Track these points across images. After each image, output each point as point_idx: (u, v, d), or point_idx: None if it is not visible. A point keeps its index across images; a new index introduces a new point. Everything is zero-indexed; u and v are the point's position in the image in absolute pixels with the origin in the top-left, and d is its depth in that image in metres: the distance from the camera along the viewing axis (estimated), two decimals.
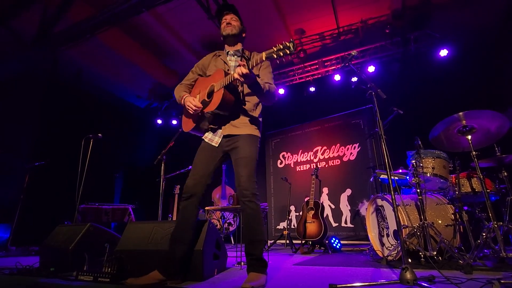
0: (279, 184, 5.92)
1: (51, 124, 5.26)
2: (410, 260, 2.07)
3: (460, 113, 2.22)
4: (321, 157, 5.68)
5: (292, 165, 6.03)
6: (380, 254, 2.65)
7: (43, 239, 2.56)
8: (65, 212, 4.19)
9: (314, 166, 4.59)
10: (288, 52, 1.51)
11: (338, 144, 5.54)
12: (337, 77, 5.58)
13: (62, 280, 1.93)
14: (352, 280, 1.73)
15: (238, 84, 1.91)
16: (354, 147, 5.34)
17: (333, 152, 5.58)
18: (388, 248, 2.55)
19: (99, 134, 3.71)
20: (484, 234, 2.04)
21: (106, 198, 5.76)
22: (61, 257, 2.23)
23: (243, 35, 2.10)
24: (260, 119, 2.03)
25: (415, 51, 5.05)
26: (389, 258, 2.35)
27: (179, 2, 4.00)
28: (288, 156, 6.14)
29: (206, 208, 5.17)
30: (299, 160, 5.97)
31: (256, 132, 1.93)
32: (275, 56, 1.55)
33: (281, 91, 6.10)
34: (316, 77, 5.93)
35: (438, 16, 4.79)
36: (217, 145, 1.89)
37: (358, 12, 4.89)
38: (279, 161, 6.24)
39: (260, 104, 2.04)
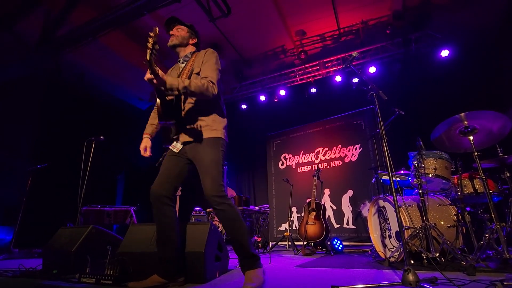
0: (280, 186, 5.92)
1: (53, 126, 5.28)
2: (412, 262, 2.06)
3: (462, 114, 2.21)
4: (323, 158, 5.68)
5: (293, 167, 6.03)
6: (382, 255, 2.64)
7: (46, 241, 2.57)
8: (67, 214, 4.20)
9: (316, 167, 4.59)
10: (152, 42, 1.46)
11: (340, 145, 5.54)
12: (338, 78, 5.58)
13: (64, 282, 1.94)
14: (354, 282, 1.73)
15: (171, 93, 1.76)
16: (356, 148, 5.34)
17: (334, 153, 5.57)
18: (390, 249, 2.55)
19: (101, 137, 3.72)
20: (487, 235, 2.03)
21: (108, 200, 5.78)
22: (64, 259, 2.24)
23: (193, 40, 2.05)
24: (223, 119, 1.91)
25: (416, 51, 5.05)
26: (391, 259, 2.35)
27: (180, 5, 4.02)
28: (290, 158, 6.14)
29: (208, 210, 5.18)
30: (300, 161, 5.97)
31: (215, 134, 1.82)
32: (153, 52, 1.50)
33: (282, 92, 6.11)
34: (317, 78, 5.94)
35: (438, 16, 4.79)
36: (177, 151, 1.86)
37: (358, 13, 4.90)
38: (280, 163, 6.24)
39: (216, 104, 1.89)
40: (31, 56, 4.65)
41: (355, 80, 5.44)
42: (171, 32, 2.04)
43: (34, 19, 4.42)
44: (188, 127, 1.83)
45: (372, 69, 5.28)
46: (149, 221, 2.09)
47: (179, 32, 2.03)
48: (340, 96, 5.73)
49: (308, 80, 5.99)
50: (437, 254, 2.12)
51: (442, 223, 2.39)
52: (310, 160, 5.83)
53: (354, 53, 2.27)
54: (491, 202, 2.09)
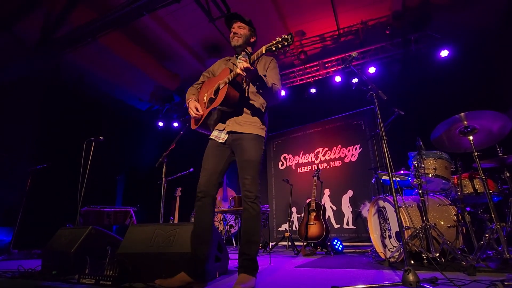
0: (280, 186, 5.92)
1: (53, 126, 5.28)
2: (412, 262, 2.05)
3: (462, 114, 2.21)
4: (323, 159, 5.68)
5: (293, 167, 6.03)
6: (382, 255, 2.64)
7: (45, 242, 2.56)
8: (67, 214, 4.19)
9: (316, 168, 4.59)
10: (286, 43, 1.58)
11: (340, 146, 5.54)
12: (337, 79, 5.58)
13: (64, 283, 1.93)
14: (355, 282, 1.72)
15: (243, 81, 1.95)
16: (356, 148, 5.34)
17: (334, 154, 5.57)
18: (391, 249, 2.54)
19: (101, 137, 3.72)
20: (487, 235, 2.03)
21: (108, 200, 5.77)
22: (63, 260, 2.23)
23: (253, 39, 2.12)
24: (267, 120, 2.05)
25: (416, 52, 5.05)
26: (392, 259, 2.34)
27: (180, 5, 4.02)
28: (289, 158, 6.13)
29: None
30: (300, 162, 5.96)
31: (261, 132, 1.94)
32: (274, 48, 1.62)
33: (282, 92, 6.11)
34: (316, 78, 5.94)
35: (438, 16, 4.79)
36: (223, 141, 1.91)
37: (358, 14, 4.89)
38: (280, 163, 6.24)
39: (266, 108, 2.04)
40: (31, 57, 4.64)
41: (355, 80, 5.44)
42: (233, 31, 2.06)
43: (34, 19, 4.42)
44: (238, 118, 1.91)
45: (372, 70, 5.28)
46: (149, 221, 2.09)
47: (242, 31, 2.07)
48: (340, 97, 5.72)
49: (308, 80, 5.99)
50: (437, 254, 2.12)
51: (442, 223, 2.39)
52: (310, 160, 5.83)
53: (354, 54, 2.27)
54: (491, 202, 2.09)
